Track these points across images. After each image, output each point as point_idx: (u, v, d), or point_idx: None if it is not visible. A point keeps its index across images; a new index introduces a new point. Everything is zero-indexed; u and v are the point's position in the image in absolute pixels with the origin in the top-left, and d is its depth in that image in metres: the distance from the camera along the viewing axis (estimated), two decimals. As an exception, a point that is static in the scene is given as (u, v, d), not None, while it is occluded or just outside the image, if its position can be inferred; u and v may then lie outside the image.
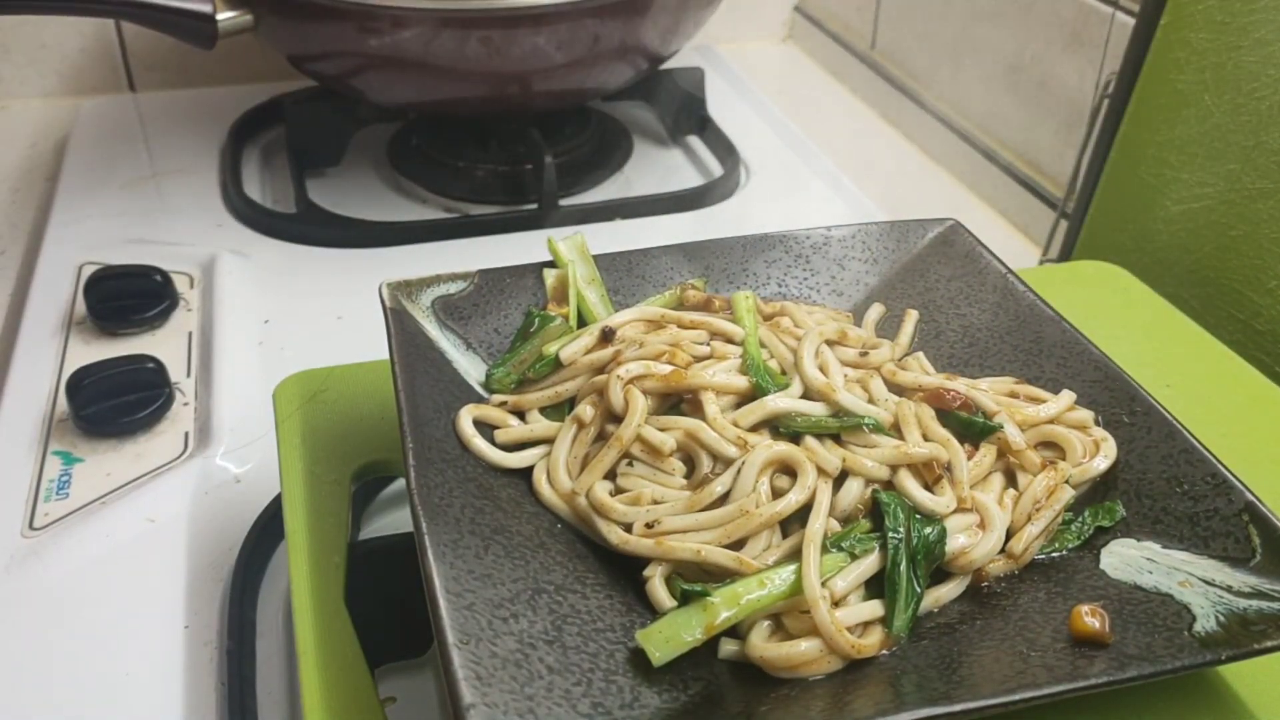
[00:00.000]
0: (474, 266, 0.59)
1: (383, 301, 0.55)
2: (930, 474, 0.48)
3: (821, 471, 0.47)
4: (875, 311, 0.61)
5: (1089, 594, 0.45)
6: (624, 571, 0.47)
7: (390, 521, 0.63)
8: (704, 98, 1.14)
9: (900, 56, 1.27)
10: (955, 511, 0.47)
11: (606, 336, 0.54)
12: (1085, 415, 0.53)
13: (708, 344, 0.54)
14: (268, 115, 1.14)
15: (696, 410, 0.50)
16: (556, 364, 0.54)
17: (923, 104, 1.21)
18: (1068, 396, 0.54)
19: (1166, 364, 0.64)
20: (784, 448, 0.47)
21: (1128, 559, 0.47)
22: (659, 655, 0.42)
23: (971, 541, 0.47)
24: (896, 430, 0.49)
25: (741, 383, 0.50)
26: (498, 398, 0.54)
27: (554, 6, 0.85)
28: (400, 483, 0.63)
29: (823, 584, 0.43)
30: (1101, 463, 0.51)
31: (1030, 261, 0.98)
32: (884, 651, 0.44)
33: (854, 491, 0.47)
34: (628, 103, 1.16)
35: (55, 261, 0.89)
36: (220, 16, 0.87)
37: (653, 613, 0.45)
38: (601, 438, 0.50)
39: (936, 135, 1.18)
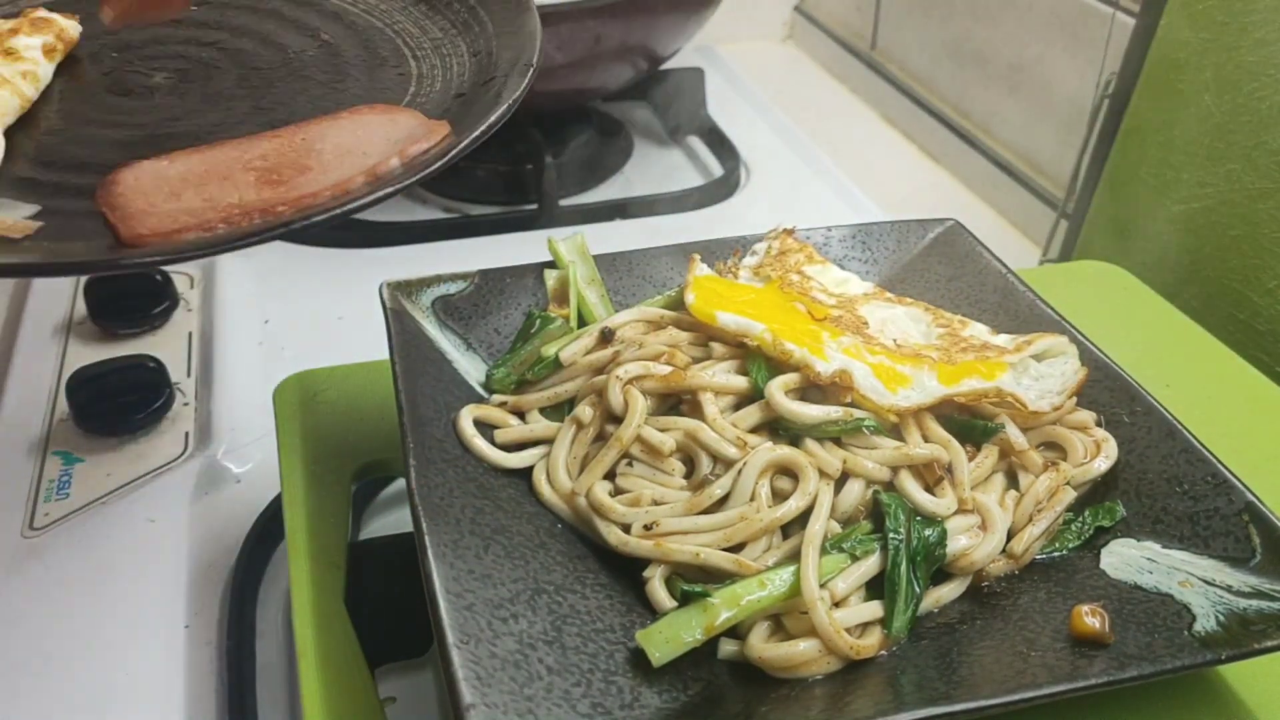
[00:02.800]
0: (474, 266, 0.59)
1: (383, 301, 0.55)
2: (931, 475, 0.48)
3: (822, 474, 0.47)
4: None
5: (1089, 594, 0.45)
6: (624, 571, 0.47)
7: (390, 521, 0.63)
8: (704, 98, 1.14)
9: (900, 56, 1.27)
10: (957, 513, 0.47)
11: (606, 337, 0.54)
12: (1086, 416, 0.53)
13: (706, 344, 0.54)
14: (268, 115, 1.14)
15: (696, 411, 0.49)
16: (556, 365, 0.54)
17: (923, 104, 1.21)
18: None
19: (1166, 364, 0.64)
20: (784, 451, 0.47)
21: (1128, 559, 0.47)
22: (659, 656, 0.42)
23: (973, 543, 0.47)
24: (897, 431, 0.49)
25: (741, 383, 0.50)
26: (498, 398, 0.54)
27: (554, 6, 0.85)
28: (400, 483, 0.63)
29: (823, 585, 0.43)
30: (1103, 464, 0.51)
31: (1030, 261, 0.98)
32: (883, 652, 0.44)
33: (855, 493, 0.47)
34: (628, 103, 1.16)
35: (55, 261, 0.89)
36: (221, 16, 0.87)
37: (652, 613, 0.45)
38: (601, 438, 0.50)
39: (936, 135, 1.18)
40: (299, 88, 0.59)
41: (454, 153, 0.50)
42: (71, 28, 0.61)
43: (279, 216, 0.47)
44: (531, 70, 0.55)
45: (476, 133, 0.50)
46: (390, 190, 0.48)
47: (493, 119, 0.51)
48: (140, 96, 0.58)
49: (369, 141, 0.51)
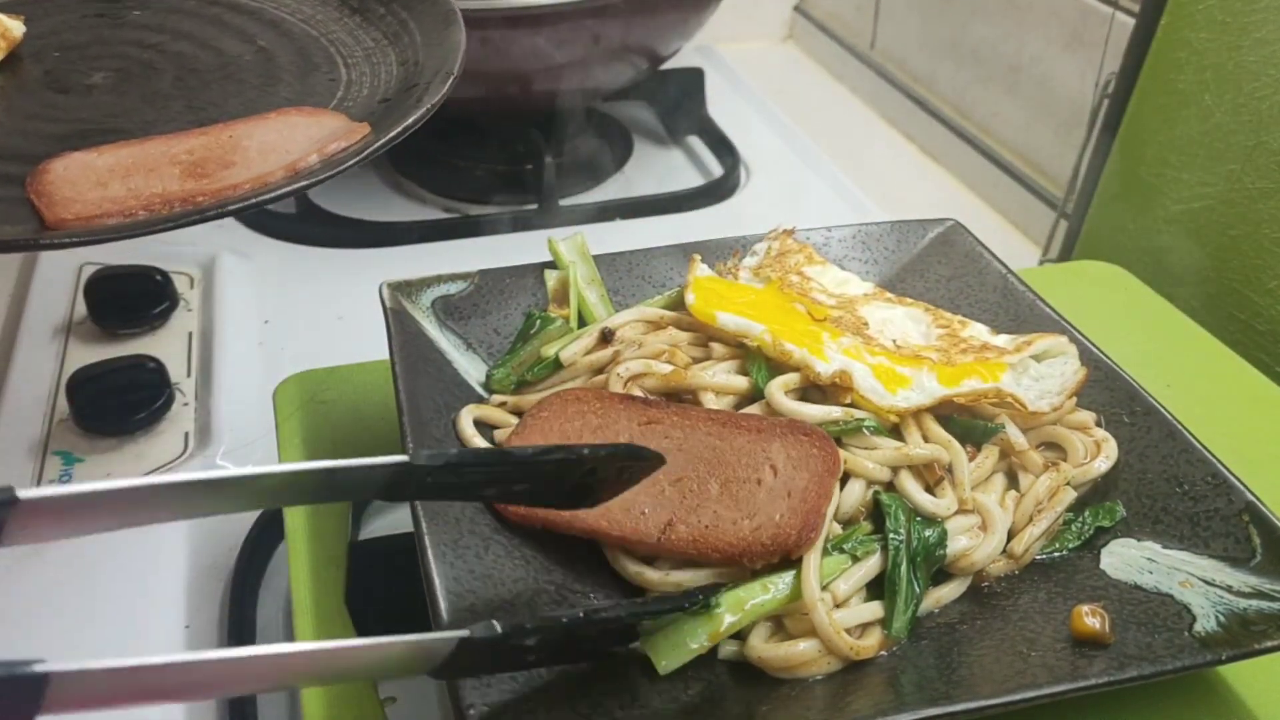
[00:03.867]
0: (474, 266, 0.59)
1: (383, 301, 0.55)
2: (932, 476, 0.48)
3: (822, 472, 0.46)
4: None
5: (1089, 594, 0.45)
6: (624, 572, 0.47)
7: (390, 521, 0.63)
8: (704, 98, 1.14)
9: (900, 56, 1.27)
10: (957, 513, 0.47)
11: (606, 337, 0.54)
12: (1086, 416, 0.53)
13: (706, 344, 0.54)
14: (268, 115, 1.14)
15: (697, 410, 0.49)
16: (556, 365, 0.54)
17: (923, 104, 1.21)
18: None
19: (1166, 364, 0.64)
20: (784, 448, 0.47)
21: (1128, 559, 0.47)
22: (665, 664, 0.41)
23: (973, 543, 0.47)
24: (897, 432, 0.49)
25: (742, 383, 0.50)
26: (498, 398, 0.54)
27: (554, 6, 0.85)
28: (400, 483, 0.63)
29: (824, 587, 0.43)
30: (1103, 464, 0.51)
31: (1030, 261, 0.98)
32: (883, 652, 0.44)
33: (855, 494, 0.47)
34: (628, 103, 1.16)
35: (55, 262, 0.89)
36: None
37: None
38: (601, 438, 0.50)
39: (936, 135, 1.18)
40: (233, 90, 0.62)
41: (371, 149, 0.53)
42: (15, 27, 0.64)
43: (198, 205, 0.50)
44: (452, 78, 0.58)
45: (395, 132, 0.54)
46: (306, 183, 0.51)
47: (411, 120, 0.54)
48: (79, 94, 0.62)
49: (292, 140, 0.55)
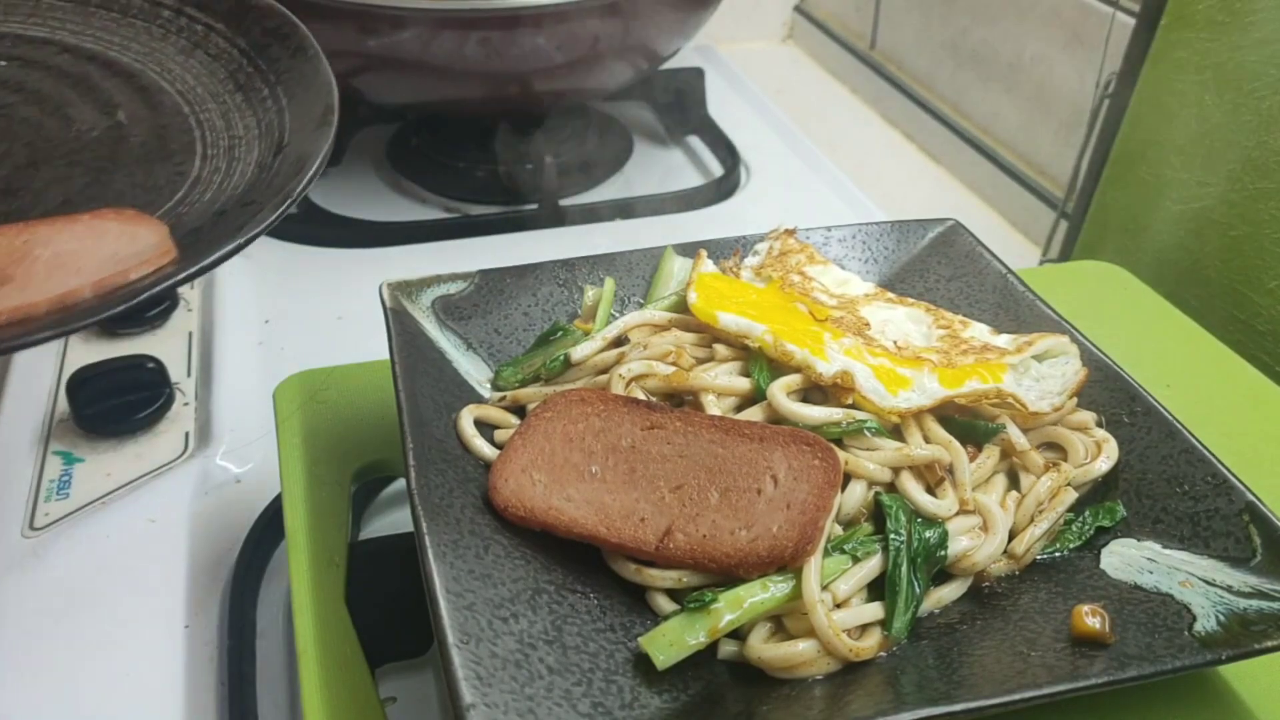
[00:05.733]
0: (474, 266, 0.59)
1: (383, 301, 0.55)
2: (933, 476, 0.48)
3: (822, 473, 0.46)
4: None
5: (1090, 594, 0.45)
6: (624, 572, 0.47)
7: (390, 521, 0.63)
8: (704, 98, 1.14)
9: (900, 56, 1.27)
10: (958, 514, 0.47)
11: (619, 340, 0.54)
12: (1087, 416, 0.53)
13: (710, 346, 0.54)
14: (268, 115, 1.14)
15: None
16: (565, 364, 0.54)
17: (923, 104, 1.21)
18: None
19: (1166, 364, 0.64)
20: (785, 449, 0.47)
21: (1128, 559, 0.47)
22: (663, 659, 0.41)
23: (974, 544, 0.47)
24: (898, 433, 0.49)
25: (743, 384, 0.50)
26: (498, 395, 0.54)
27: (554, 6, 0.85)
28: (400, 483, 0.63)
29: (825, 587, 0.43)
30: (1104, 464, 0.50)
31: (1030, 261, 0.98)
32: (883, 653, 0.44)
33: (857, 495, 0.47)
34: (628, 103, 1.16)
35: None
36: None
37: (653, 612, 0.45)
38: (602, 438, 0.50)
39: (936, 135, 1.18)
40: (63, 174, 0.53)
41: (163, 285, 0.45)
42: None
43: None
44: (290, 200, 0.49)
45: (193, 270, 0.45)
46: (71, 328, 0.42)
47: (216, 256, 0.45)
48: None
49: (92, 257, 0.45)
